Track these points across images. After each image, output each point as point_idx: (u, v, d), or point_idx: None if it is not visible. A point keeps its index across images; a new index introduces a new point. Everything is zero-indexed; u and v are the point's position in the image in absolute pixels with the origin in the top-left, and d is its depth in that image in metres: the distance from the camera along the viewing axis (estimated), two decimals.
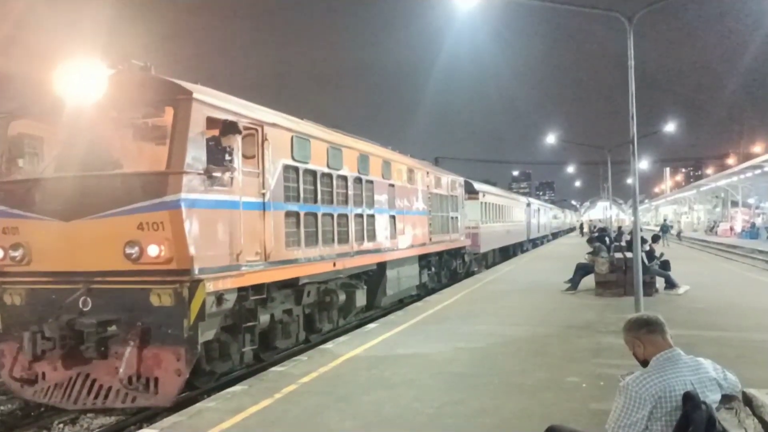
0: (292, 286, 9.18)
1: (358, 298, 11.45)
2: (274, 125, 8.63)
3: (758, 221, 46.99)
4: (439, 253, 17.78)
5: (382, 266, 12.80)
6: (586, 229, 58.69)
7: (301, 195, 9.27)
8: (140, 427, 6.56)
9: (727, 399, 3.16)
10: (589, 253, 15.82)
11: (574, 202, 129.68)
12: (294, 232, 9.01)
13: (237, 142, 7.60)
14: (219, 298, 7.00)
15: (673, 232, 50.24)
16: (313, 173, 9.74)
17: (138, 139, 8.37)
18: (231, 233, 7.43)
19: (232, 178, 7.49)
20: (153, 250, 6.67)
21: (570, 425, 3.52)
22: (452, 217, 18.97)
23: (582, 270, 15.09)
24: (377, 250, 12.34)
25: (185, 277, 6.69)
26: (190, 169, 6.87)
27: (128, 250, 6.70)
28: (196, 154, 6.96)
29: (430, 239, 16.29)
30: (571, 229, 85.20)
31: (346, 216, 10.94)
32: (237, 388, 6.97)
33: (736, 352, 7.84)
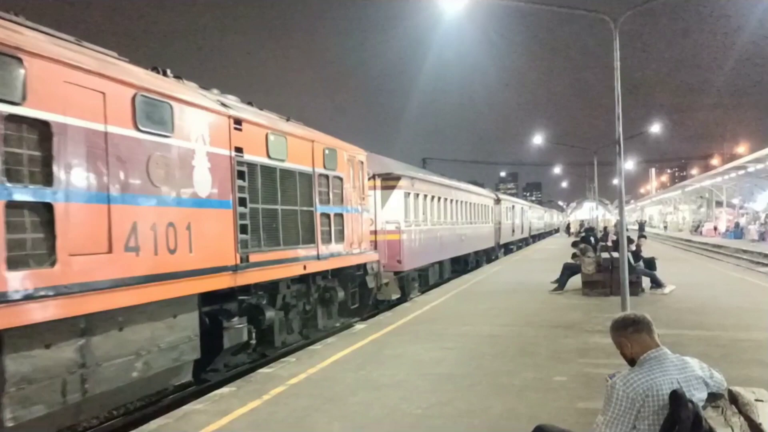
0: None
1: None
2: None
3: (742, 221, 47.49)
4: (301, 280, 9.91)
5: None
6: (573, 230, 58.91)
7: None
8: (126, 430, 6.50)
9: (713, 397, 3.18)
10: (574, 254, 15.93)
11: (561, 203, 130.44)
12: None
13: None
14: None
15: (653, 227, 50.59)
16: None
17: None
18: None
19: None
20: None
21: (558, 425, 3.52)
22: (329, 215, 10.73)
23: (569, 270, 15.19)
24: None
25: None
26: None
27: None
28: None
29: (247, 257, 7.97)
30: (556, 230, 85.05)
31: None
32: (224, 389, 6.94)
33: (722, 350, 7.92)
